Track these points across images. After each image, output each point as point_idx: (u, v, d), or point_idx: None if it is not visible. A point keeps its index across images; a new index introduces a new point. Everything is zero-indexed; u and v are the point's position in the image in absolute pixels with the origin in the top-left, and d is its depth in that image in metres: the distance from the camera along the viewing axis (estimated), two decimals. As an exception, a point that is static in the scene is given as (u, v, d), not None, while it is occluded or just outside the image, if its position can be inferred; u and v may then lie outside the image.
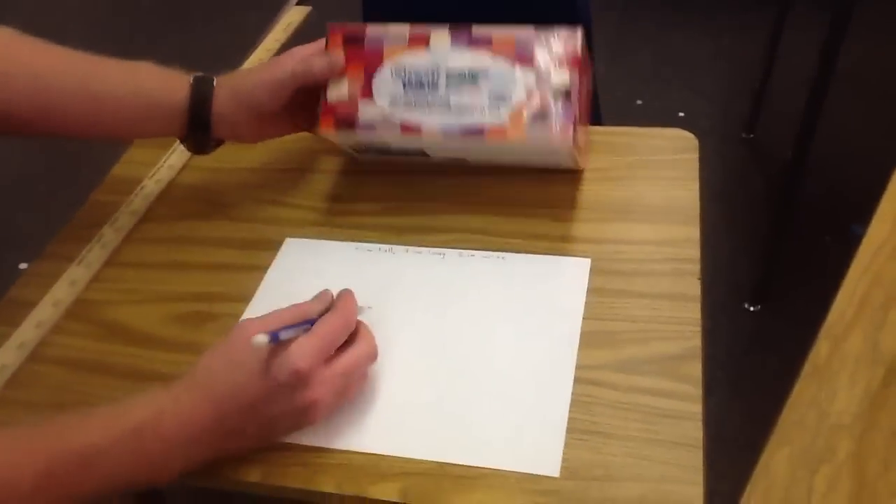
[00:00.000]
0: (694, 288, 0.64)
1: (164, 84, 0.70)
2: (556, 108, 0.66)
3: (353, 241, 0.72)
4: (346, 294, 0.60)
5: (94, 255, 0.74)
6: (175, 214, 0.79)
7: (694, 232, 0.69)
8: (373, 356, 0.59)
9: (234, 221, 0.77)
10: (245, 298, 0.69)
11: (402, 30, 0.70)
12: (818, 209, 1.68)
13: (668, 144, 0.78)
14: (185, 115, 0.69)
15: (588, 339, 0.61)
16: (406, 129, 0.69)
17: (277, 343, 0.53)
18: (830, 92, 1.31)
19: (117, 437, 0.51)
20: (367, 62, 0.70)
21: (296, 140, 0.81)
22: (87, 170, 0.90)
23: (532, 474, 0.53)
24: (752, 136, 1.94)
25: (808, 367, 0.53)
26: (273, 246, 0.73)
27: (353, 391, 0.58)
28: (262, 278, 0.70)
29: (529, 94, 0.67)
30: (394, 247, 0.71)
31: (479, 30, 0.69)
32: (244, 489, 0.56)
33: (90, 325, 0.69)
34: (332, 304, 0.60)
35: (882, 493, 0.46)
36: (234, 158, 0.83)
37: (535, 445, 0.55)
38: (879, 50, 2.05)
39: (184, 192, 0.81)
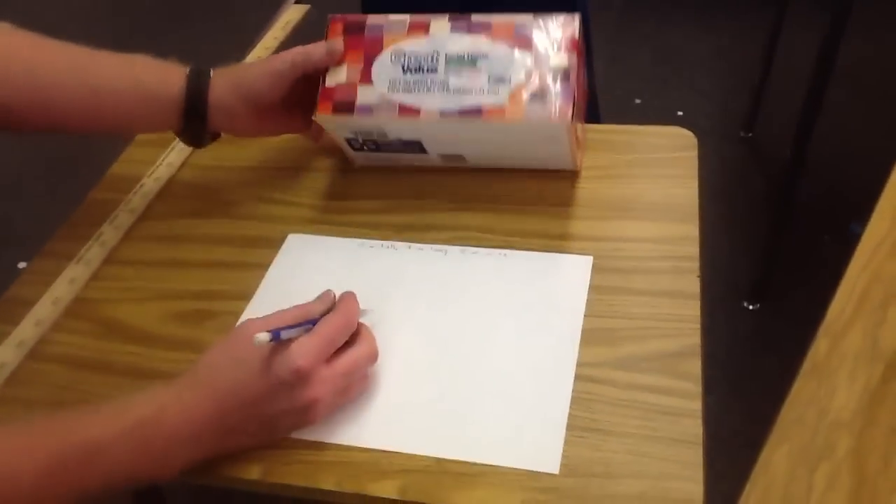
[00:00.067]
0: (693, 285, 0.64)
1: (161, 75, 0.70)
2: (555, 88, 0.67)
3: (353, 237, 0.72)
4: (348, 295, 0.60)
5: (93, 254, 0.74)
6: (174, 212, 0.79)
7: (693, 230, 0.69)
8: (373, 357, 0.59)
9: (233, 219, 0.77)
10: (244, 296, 0.68)
11: (402, 18, 0.71)
12: (817, 208, 1.68)
13: (668, 142, 0.78)
14: (182, 105, 0.69)
15: (587, 337, 0.61)
16: (404, 110, 0.69)
17: (279, 342, 0.53)
18: (829, 91, 1.31)
19: (120, 431, 0.51)
20: (366, 49, 0.71)
21: (295, 138, 0.82)
22: (86, 169, 0.90)
23: (532, 471, 0.53)
24: (750, 135, 1.94)
25: (807, 365, 0.53)
26: (272, 244, 0.73)
27: (353, 391, 0.58)
28: (261, 276, 0.70)
29: (528, 76, 0.67)
30: (396, 243, 0.71)
31: (478, 17, 0.70)
32: (244, 487, 0.56)
33: (89, 324, 0.69)
34: (334, 305, 0.60)
35: (882, 490, 0.46)
36: (234, 157, 0.83)
37: (536, 442, 0.55)
38: (878, 49, 2.06)
39: (183, 190, 0.81)
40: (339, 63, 0.71)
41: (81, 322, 0.69)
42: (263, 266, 0.71)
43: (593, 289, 0.65)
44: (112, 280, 0.73)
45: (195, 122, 0.71)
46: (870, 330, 0.54)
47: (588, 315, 0.63)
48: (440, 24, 0.70)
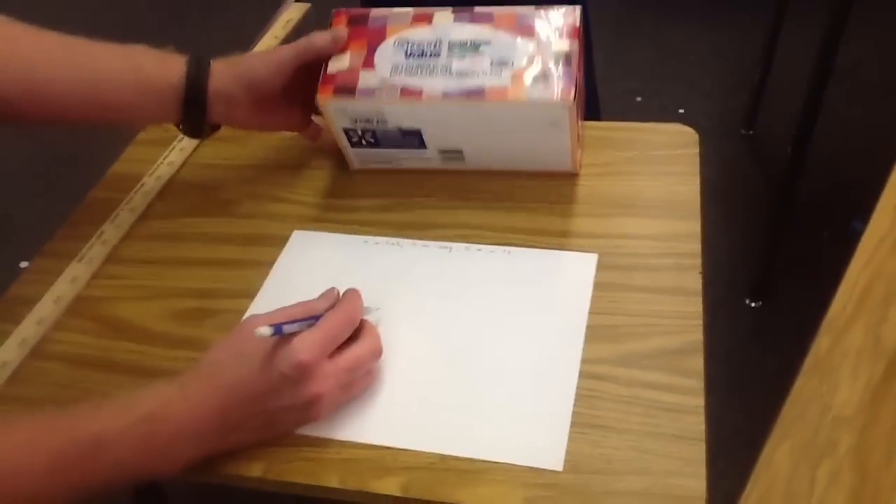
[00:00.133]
0: (695, 282, 0.64)
1: (160, 64, 0.70)
2: (558, 71, 0.67)
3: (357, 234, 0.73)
4: (350, 292, 0.60)
5: (94, 252, 0.74)
6: (176, 211, 0.79)
7: (695, 226, 0.69)
8: (377, 353, 0.59)
9: (234, 218, 0.77)
10: (245, 294, 0.68)
11: (405, 10, 0.73)
12: (817, 205, 1.68)
13: (669, 139, 0.78)
14: (181, 93, 0.69)
15: (590, 334, 0.61)
16: (406, 92, 0.69)
17: (281, 336, 0.53)
18: (829, 88, 1.31)
19: (124, 427, 0.51)
20: (370, 38, 0.72)
21: (296, 137, 0.81)
22: (87, 168, 0.90)
23: (535, 468, 0.54)
24: (751, 132, 1.94)
25: (809, 361, 0.53)
26: (273, 242, 0.73)
27: (357, 388, 0.58)
28: (262, 274, 0.70)
29: (531, 60, 0.68)
30: (400, 240, 0.71)
31: (481, 9, 0.71)
32: (246, 485, 0.56)
33: (91, 322, 0.69)
34: (337, 302, 0.60)
35: (884, 486, 0.46)
36: (235, 155, 0.83)
37: (539, 439, 0.55)
38: (878, 46, 2.05)
39: (184, 189, 0.81)
40: (342, 51, 0.72)
41: (83, 320, 0.69)
42: (265, 264, 0.71)
43: (595, 286, 0.65)
44: (113, 279, 0.73)
45: (195, 111, 0.70)
46: (871, 327, 0.54)
47: (591, 312, 0.63)
48: (443, 15, 0.72)
